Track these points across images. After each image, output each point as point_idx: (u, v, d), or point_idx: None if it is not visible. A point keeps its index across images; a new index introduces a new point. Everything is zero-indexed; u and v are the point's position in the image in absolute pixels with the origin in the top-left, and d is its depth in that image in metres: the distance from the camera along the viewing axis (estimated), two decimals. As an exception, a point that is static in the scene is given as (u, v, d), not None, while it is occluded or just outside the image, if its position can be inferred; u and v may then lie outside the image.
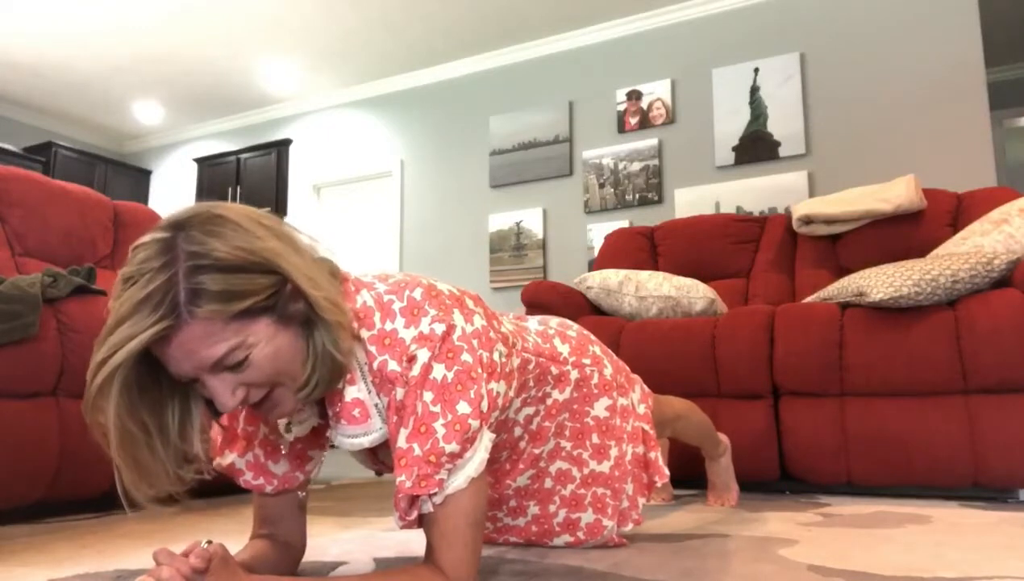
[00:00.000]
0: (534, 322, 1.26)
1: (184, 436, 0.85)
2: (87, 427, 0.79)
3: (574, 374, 1.22)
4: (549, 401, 1.18)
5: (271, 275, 0.80)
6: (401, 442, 0.86)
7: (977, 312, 1.92)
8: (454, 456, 0.85)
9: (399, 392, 0.88)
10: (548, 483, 1.24)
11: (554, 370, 1.17)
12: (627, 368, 1.41)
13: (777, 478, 2.12)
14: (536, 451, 1.19)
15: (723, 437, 1.88)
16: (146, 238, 0.78)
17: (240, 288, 0.77)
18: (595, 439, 1.25)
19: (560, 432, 1.22)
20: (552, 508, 1.25)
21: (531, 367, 1.10)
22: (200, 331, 0.76)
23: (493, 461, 1.12)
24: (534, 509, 1.25)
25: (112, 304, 0.76)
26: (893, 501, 1.93)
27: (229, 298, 0.76)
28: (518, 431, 1.15)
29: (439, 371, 0.87)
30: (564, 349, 1.22)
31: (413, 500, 0.87)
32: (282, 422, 0.98)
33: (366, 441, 0.91)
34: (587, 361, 1.25)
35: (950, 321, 1.94)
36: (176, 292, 0.74)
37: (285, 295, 0.81)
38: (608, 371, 1.29)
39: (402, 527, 0.89)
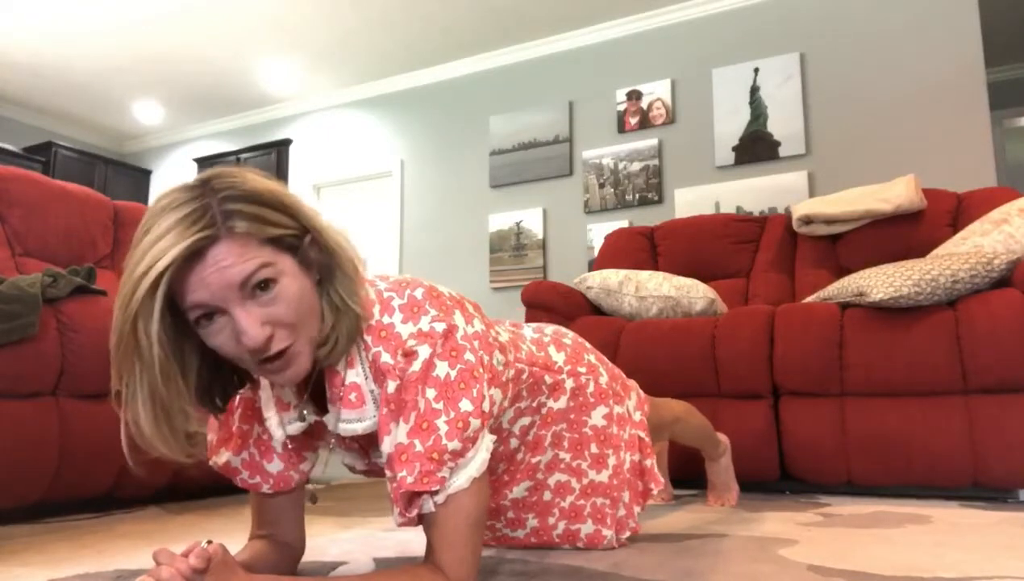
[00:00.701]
0: (529, 330, 1.26)
1: (204, 390, 0.87)
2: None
3: (569, 383, 1.22)
4: (544, 411, 1.18)
5: (294, 220, 0.83)
6: (402, 437, 0.87)
7: (977, 312, 1.92)
8: (456, 454, 0.86)
9: (391, 385, 0.88)
10: (547, 495, 1.23)
11: (548, 379, 1.17)
12: (623, 375, 1.41)
13: (777, 478, 2.12)
14: (533, 461, 1.20)
15: (723, 437, 1.88)
16: (170, 188, 0.81)
17: (270, 218, 0.80)
18: (593, 448, 1.25)
19: (558, 443, 1.22)
20: (551, 520, 1.25)
21: (524, 377, 1.11)
22: (236, 246, 0.77)
23: (490, 472, 1.12)
24: (533, 522, 1.25)
25: (141, 238, 0.76)
26: (893, 501, 1.93)
27: (262, 222, 0.79)
28: (514, 442, 1.15)
29: (442, 368, 0.87)
30: (559, 358, 1.22)
31: (413, 497, 0.87)
32: (274, 419, 0.98)
33: (360, 427, 0.91)
34: (583, 370, 1.25)
35: (950, 321, 1.94)
36: (213, 213, 0.77)
37: (306, 242, 0.84)
38: (604, 379, 1.29)
39: (401, 524, 0.89)
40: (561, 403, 1.20)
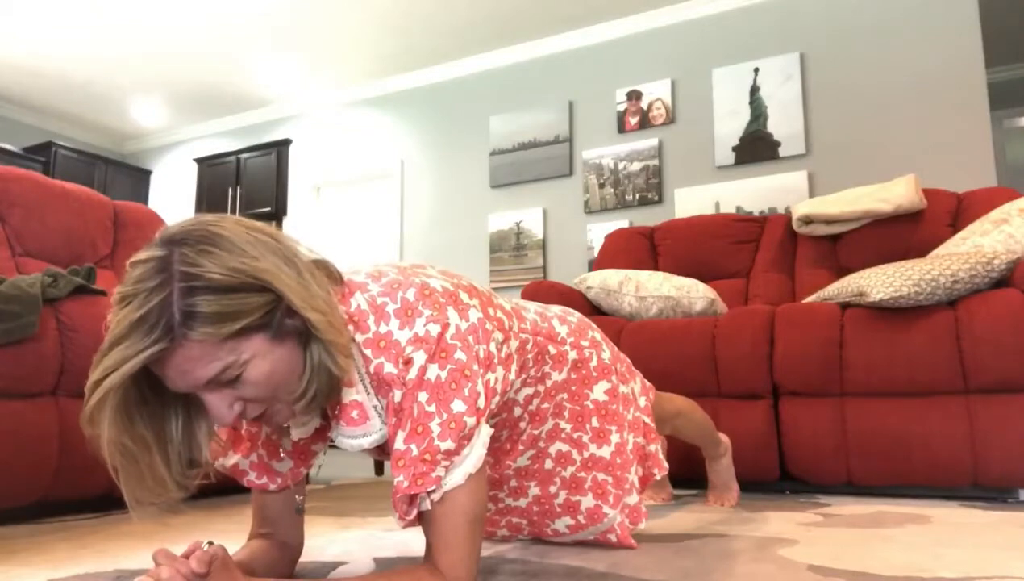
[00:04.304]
0: (534, 305, 1.26)
1: (190, 442, 0.85)
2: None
3: (572, 354, 1.22)
4: (549, 382, 1.18)
5: (265, 294, 0.79)
6: (399, 444, 0.87)
7: (977, 312, 1.92)
8: (450, 453, 0.85)
9: (396, 394, 0.88)
10: (548, 464, 1.24)
11: (552, 349, 1.17)
12: (628, 360, 1.41)
13: (777, 478, 2.12)
14: (535, 432, 1.20)
15: (723, 437, 1.88)
16: (142, 255, 0.78)
17: (234, 309, 0.76)
18: (595, 422, 1.25)
19: (559, 413, 1.22)
20: (552, 489, 1.25)
21: (529, 347, 1.10)
22: (195, 352, 0.76)
23: (494, 440, 1.13)
24: (535, 490, 1.25)
25: (109, 323, 0.76)
26: (893, 501, 1.93)
27: (223, 320, 0.76)
28: (518, 411, 1.15)
29: (433, 371, 0.87)
30: (562, 330, 1.22)
31: (412, 499, 0.87)
32: (299, 420, 0.98)
33: (366, 442, 0.91)
34: (585, 343, 1.25)
35: (950, 321, 1.94)
36: (171, 314, 0.74)
37: (281, 311, 0.81)
38: (607, 355, 1.29)
39: (403, 527, 0.90)
40: (563, 374, 1.20)
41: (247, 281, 0.78)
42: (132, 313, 0.74)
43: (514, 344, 1.04)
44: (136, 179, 6.64)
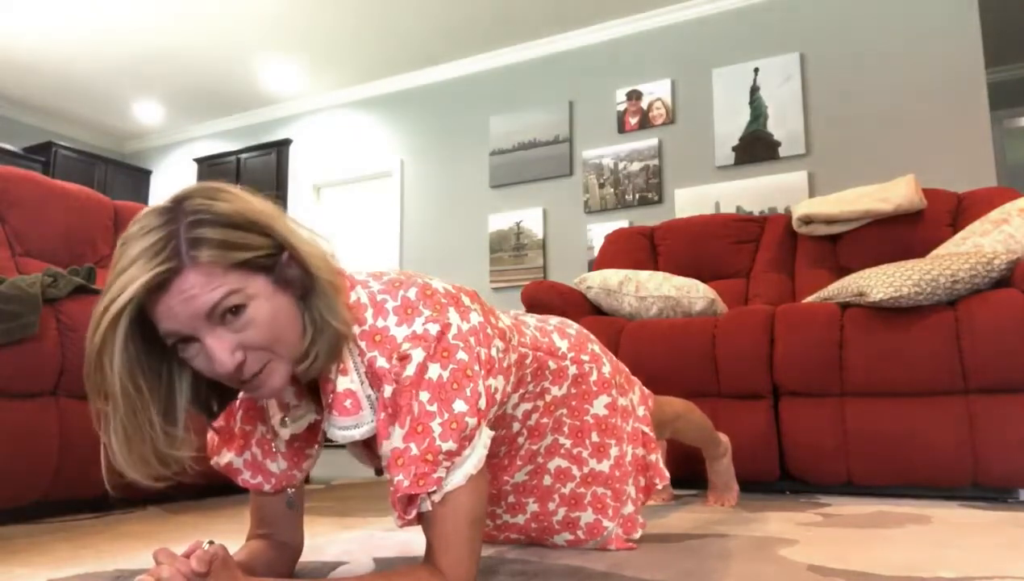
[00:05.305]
0: (533, 319, 1.25)
1: (168, 416, 0.84)
2: (87, 424, 0.79)
3: (572, 369, 1.21)
4: (548, 397, 1.17)
5: (268, 238, 0.82)
6: (398, 442, 0.86)
7: (977, 312, 1.92)
8: (451, 454, 0.85)
9: (387, 390, 0.87)
10: (547, 480, 1.23)
11: (552, 364, 1.16)
12: (627, 370, 1.41)
13: (777, 478, 2.12)
14: (534, 447, 1.19)
15: (723, 437, 1.88)
16: (146, 209, 0.80)
17: (240, 242, 0.79)
18: (595, 437, 1.25)
19: (558, 428, 1.21)
20: (551, 506, 1.25)
21: (528, 361, 1.10)
22: (201, 277, 0.76)
23: (491, 456, 1.12)
24: (533, 507, 1.25)
25: (112, 267, 0.77)
26: (893, 501, 1.93)
27: (229, 247, 0.78)
28: (516, 426, 1.15)
29: (435, 371, 0.86)
30: (562, 344, 1.22)
31: (411, 499, 0.87)
32: (277, 418, 0.98)
33: (357, 433, 0.91)
34: (585, 357, 1.25)
35: (950, 321, 1.94)
36: (178, 241, 0.76)
37: (282, 261, 0.83)
38: (607, 369, 1.29)
39: (401, 526, 0.89)
40: (563, 390, 1.20)
41: (251, 221, 0.81)
42: (138, 245, 0.76)
43: (513, 357, 1.03)
44: (136, 179, 6.64)
